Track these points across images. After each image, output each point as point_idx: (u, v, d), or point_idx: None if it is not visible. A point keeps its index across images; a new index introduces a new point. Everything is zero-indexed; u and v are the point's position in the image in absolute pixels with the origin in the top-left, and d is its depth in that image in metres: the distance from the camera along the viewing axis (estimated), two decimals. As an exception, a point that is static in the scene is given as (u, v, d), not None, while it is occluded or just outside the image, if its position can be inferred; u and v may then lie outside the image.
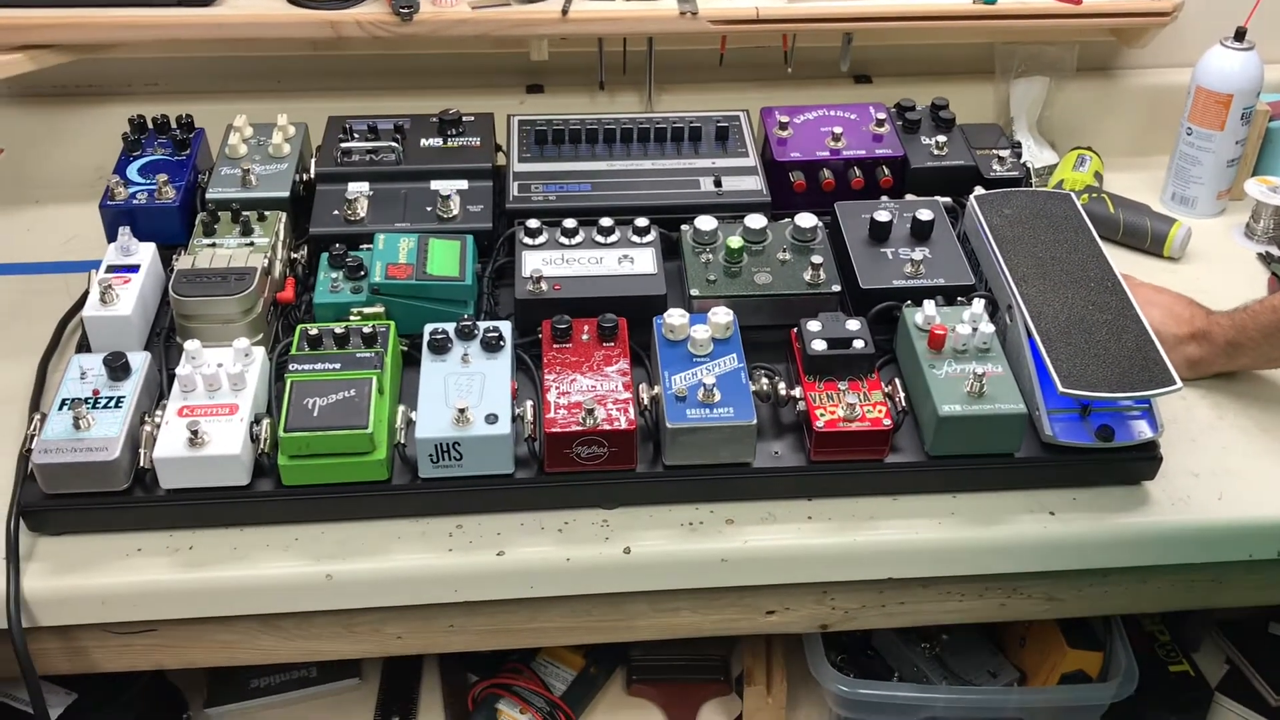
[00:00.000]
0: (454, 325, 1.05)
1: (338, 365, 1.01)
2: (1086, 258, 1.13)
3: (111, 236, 1.16)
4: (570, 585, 1.02)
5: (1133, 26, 1.46)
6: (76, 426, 0.97)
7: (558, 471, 1.00)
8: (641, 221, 1.16)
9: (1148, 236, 1.39)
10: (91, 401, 0.99)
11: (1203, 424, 1.14)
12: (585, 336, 1.06)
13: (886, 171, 1.26)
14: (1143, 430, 1.04)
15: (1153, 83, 1.56)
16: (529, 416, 1.01)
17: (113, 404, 0.99)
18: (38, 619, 0.98)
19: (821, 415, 1.01)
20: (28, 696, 1.01)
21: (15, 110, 1.46)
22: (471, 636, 1.08)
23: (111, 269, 1.11)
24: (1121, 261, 1.32)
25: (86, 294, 1.12)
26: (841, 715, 1.22)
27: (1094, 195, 1.41)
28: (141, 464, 0.98)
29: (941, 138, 1.29)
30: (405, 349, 1.09)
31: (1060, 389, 1.01)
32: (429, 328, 1.05)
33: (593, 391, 1.01)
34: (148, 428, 0.99)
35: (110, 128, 1.32)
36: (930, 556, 1.04)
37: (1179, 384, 1.01)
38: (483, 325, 1.05)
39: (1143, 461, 1.06)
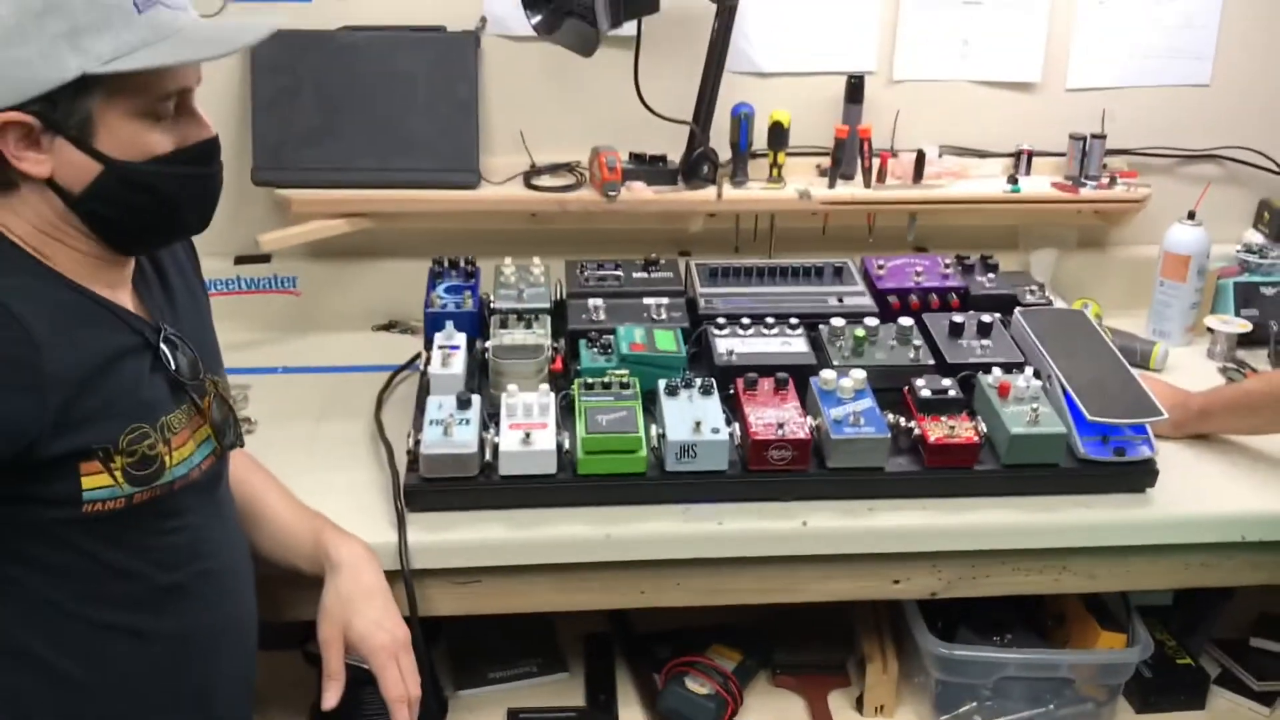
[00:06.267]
0: (680, 378, 1.58)
1: (611, 398, 1.53)
2: (1097, 346, 1.68)
3: (430, 331, 1.70)
4: (765, 548, 1.51)
5: (1115, 210, 2.06)
6: (446, 434, 1.47)
7: (757, 470, 1.50)
8: (794, 320, 1.71)
9: (1136, 354, 1.93)
10: (449, 421, 1.50)
11: (1189, 460, 1.65)
12: (766, 387, 1.58)
13: (955, 296, 1.82)
14: (1144, 451, 1.55)
15: (1133, 253, 2.15)
16: (736, 433, 1.51)
17: (463, 423, 1.50)
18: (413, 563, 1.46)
19: (932, 434, 1.52)
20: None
21: (311, 264, 2.03)
22: (690, 593, 1.55)
23: (442, 347, 1.64)
24: (1120, 370, 1.87)
25: (397, 371, 1.74)
26: (938, 677, 1.66)
27: (1097, 325, 1.96)
28: (485, 458, 1.48)
29: (991, 276, 1.85)
30: (639, 400, 1.61)
31: (1089, 418, 1.52)
32: (662, 382, 1.58)
33: (777, 417, 1.52)
34: (487, 437, 1.49)
35: (382, 280, 1.93)
36: (1006, 535, 1.53)
37: (1165, 414, 1.53)
38: (698, 379, 1.58)
39: (1146, 473, 1.56)
